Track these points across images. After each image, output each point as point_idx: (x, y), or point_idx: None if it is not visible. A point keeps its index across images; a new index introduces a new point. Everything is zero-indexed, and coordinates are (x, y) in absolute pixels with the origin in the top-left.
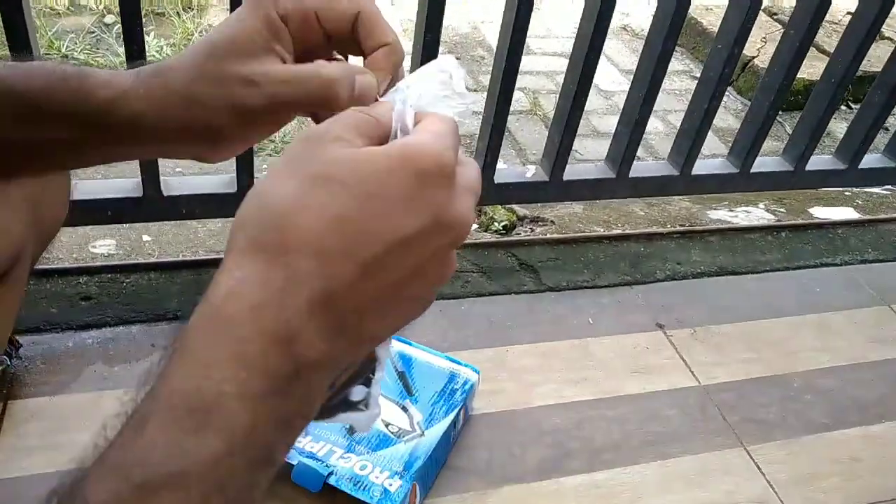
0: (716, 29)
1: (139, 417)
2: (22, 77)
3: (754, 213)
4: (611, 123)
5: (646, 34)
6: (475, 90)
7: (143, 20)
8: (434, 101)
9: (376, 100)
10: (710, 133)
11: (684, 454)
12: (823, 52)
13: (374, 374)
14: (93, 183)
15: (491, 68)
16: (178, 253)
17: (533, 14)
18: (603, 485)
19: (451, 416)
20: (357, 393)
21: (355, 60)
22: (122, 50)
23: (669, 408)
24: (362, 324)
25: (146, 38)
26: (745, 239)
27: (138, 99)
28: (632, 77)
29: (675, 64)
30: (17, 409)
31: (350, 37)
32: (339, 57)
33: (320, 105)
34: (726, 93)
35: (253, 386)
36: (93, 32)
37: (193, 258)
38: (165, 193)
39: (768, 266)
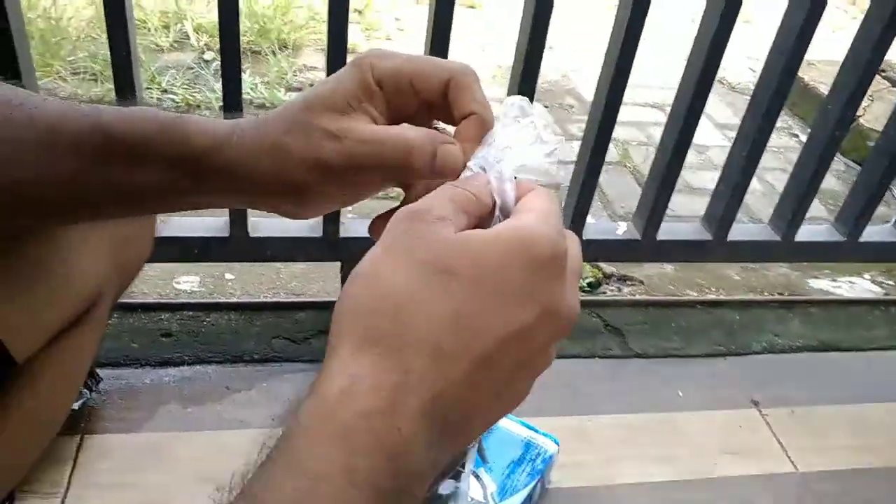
0: (818, 85)
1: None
2: (123, 121)
3: (859, 285)
4: (703, 179)
5: (741, 87)
6: (563, 138)
7: (242, 58)
8: (524, 152)
9: (464, 168)
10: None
11: None
12: None
13: (462, 468)
14: (181, 220)
15: (583, 117)
16: (260, 294)
17: None
18: None
19: (528, 489)
20: (445, 487)
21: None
22: (218, 86)
23: (763, 495)
24: (468, 424)
25: (243, 75)
26: (850, 312)
27: (232, 147)
28: (727, 132)
29: (781, 122)
30: (93, 444)
31: (445, 103)
32: (441, 125)
33: (399, 169)
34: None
35: (348, 494)
36: (192, 68)
37: (274, 300)
38: (252, 234)
39: (875, 343)
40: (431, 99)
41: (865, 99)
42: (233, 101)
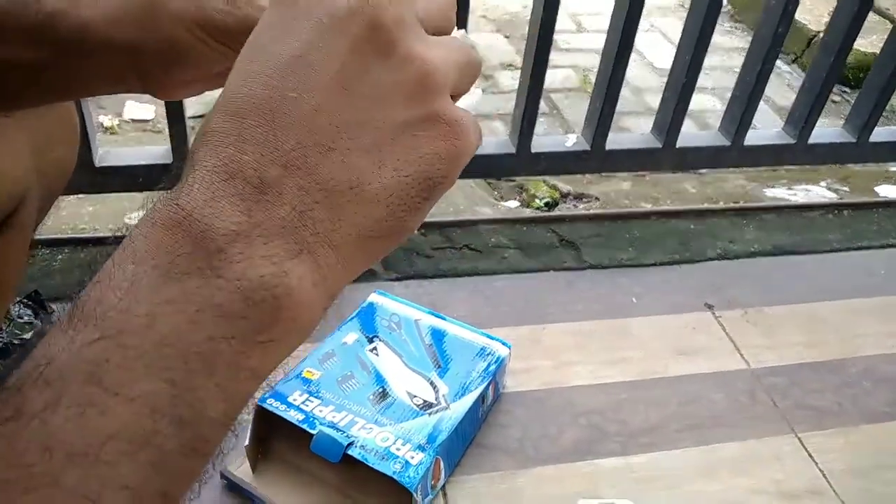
0: None
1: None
2: None
3: (815, 192)
4: None
5: None
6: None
7: None
8: None
9: None
10: (770, 109)
11: (729, 440)
12: (889, 18)
13: None
14: (122, 150)
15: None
16: None
17: None
18: (640, 469)
19: (479, 390)
20: None
21: None
22: None
23: (715, 391)
24: (300, 172)
25: None
26: (805, 217)
27: (89, 6)
28: None
29: (737, 41)
30: None
31: None
32: None
33: None
34: (790, 70)
35: (133, 272)
36: None
37: None
38: None
39: (828, 246)
40: None
41: (826, 15)
42: None
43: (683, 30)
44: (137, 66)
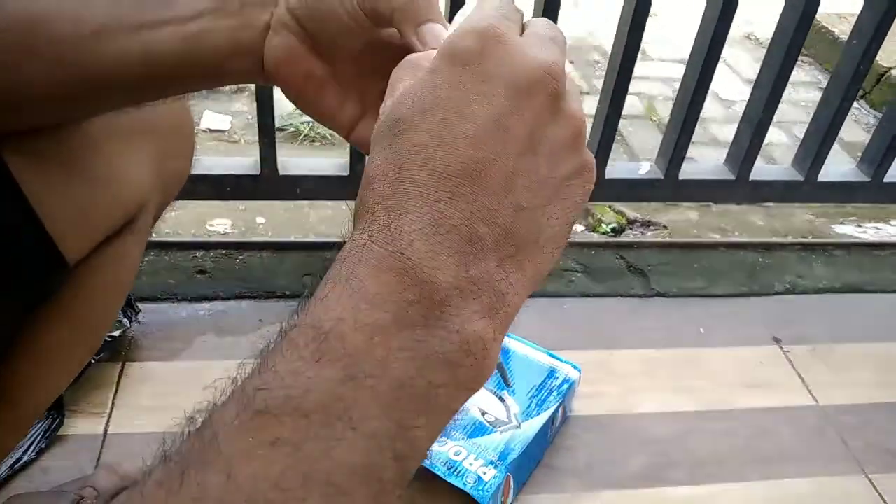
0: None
1: (265, 355)
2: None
3: (885, 230)
4: (729, 133)
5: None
6: (588, 93)
7: None
8: None
9: None
10: (840, 148)
11: (797, 476)
12: None
13: None
14: (213, 160)
15: (605, 72)
16: (290, 234)
17: (651, 20)
18: (707, 499)
19: (550, 411)
20: None
21: None
22: None
23: (783, 426)
24: (500, 230)
25: None
26: (875, 256)
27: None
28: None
29: (802, 74)
30: (134, 371)
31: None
32: None
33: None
34: (859, 107)
35: (369, 315)
36: None
37: (305, 240)
38: (281, 173)
39: None
40: None
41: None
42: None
43: (763, 64)
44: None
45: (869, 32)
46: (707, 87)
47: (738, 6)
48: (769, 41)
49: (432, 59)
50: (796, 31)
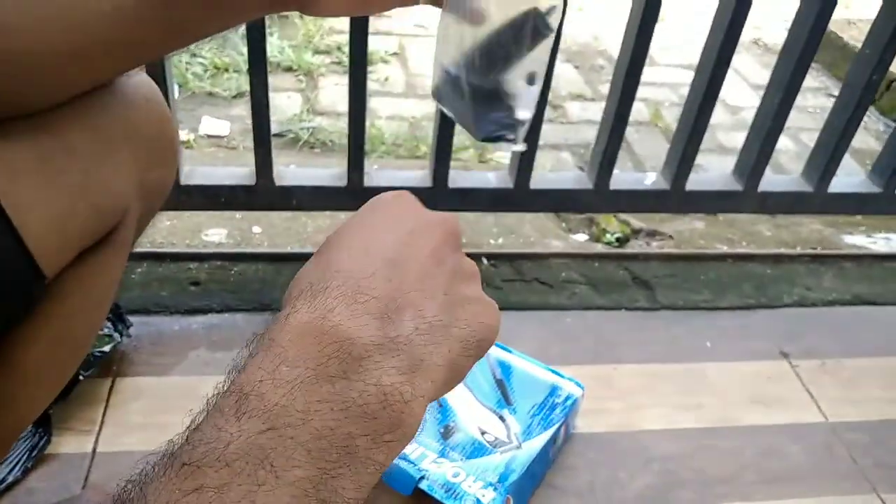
0: (858, 45)
1: (192, 424)
2: None
3: (895, 241)
4: (736, 140)
5: (778, 48)
6: (592, 99)
7: (268, 21)
8: None
9: None
10: (849, 155)
11: (807, 495)
12: None
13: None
14: (208, 169)
15: (610, 77)
16: (287, 245)
17: (658, 24)
18: None
19: (551, 430)
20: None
21: None
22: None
23: (791, 444)
24: (414, 310)
25: (270, 38)
26: (885, 267)
27: None
28: (760, 92)
29: (811, 80)
30: (124, 387)
31: None
32: None
33: None
34: (868, 113)
35: (289, 373)
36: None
37: (301, 251)
38: (277, 183)
39: None
40: None
41: None
42: (258, 61)
43: (773, 73)
44: None
45: (883, 41)
46: (715, 98)
47: (748, 16)
48: (779, 51)
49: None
50: (807, 42)
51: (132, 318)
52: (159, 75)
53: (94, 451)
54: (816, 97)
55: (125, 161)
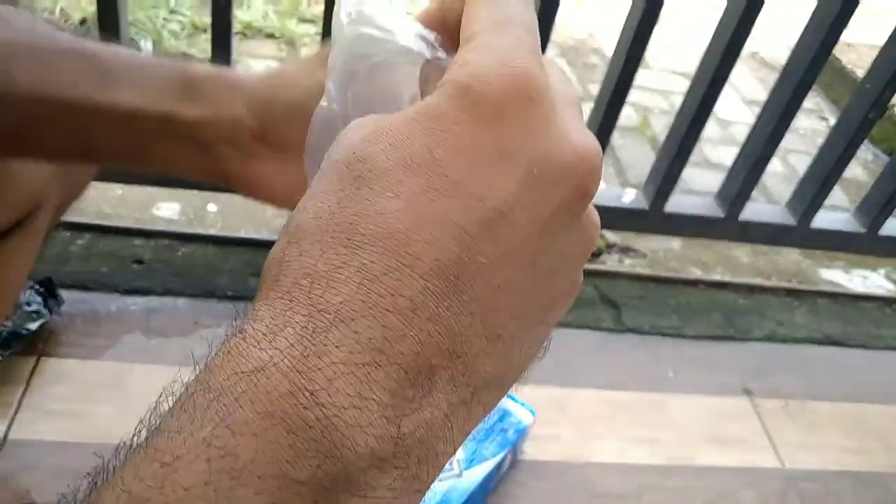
0: (855, 68)
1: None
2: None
3: (872, 280)
4: (723, 155)
5: (776, 64)
6: (581, 99)
7: None
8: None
9: None
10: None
11: None
12: None
13: None
14: None
15: (602, 77)
16: (241, 228)
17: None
18: None
19: (496, 459)
20: None
21: None
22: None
23: (744, 489)
24: (461, 365)
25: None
26: (860, 308)
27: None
28: (755, 108)
29: (805, 101)
30: (49, 368)
31: None
32: None
33: None
34: None
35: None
36: None
37: (255, 236)
38: None
39: (882, 343)
40: None
41: None
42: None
43: (768, 101)
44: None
45: (886, 75)
46: (706, 117)
47: (748, 36)
48: (778, 75)
49: (429, 96)
50: (806, 72)
51: (66, 294)
52: (112, 28)
53: (4, 437)
54: (809, 118)
55: None
